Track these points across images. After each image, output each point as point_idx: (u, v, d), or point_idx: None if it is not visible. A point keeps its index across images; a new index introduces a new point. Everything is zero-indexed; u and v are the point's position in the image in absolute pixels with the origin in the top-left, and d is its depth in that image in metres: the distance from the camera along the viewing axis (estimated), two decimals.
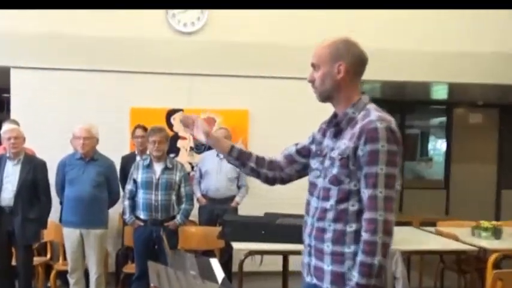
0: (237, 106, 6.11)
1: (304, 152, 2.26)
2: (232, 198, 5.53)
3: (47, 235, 4.92)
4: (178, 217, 4.59)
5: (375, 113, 2.00)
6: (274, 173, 2.29)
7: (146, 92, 6.02)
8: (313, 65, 2.10)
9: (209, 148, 5.61)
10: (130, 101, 5.96)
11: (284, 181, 2.32)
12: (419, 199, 8.50)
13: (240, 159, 2.27)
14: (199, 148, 6.07)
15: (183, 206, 4.62)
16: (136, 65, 5.98)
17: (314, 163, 2.18)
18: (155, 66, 6.00)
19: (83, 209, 4.54)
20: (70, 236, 4.63)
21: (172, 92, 6.05)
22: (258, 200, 5.59)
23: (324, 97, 2.11)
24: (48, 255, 5.37)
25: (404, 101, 8.72)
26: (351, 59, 2.06)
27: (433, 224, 5.23)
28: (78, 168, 4.63)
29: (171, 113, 6.08)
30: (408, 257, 4.63)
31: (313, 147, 2.20)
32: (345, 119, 2.07)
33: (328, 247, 2.04)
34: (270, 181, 2.31)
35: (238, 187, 5.58)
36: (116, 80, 5.99)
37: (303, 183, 2.30)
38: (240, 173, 5.40)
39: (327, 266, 2.03)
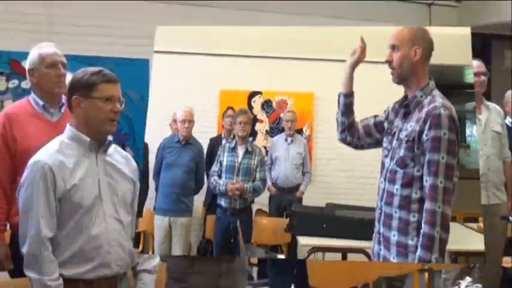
0: (302, 88, 6.10)
1: (379, 127, 2.39)
2: (297, 186, 5.40)
3: (141, 225, 4.71)
4: (255, 184, 4.59)
5: (439, 100, 2.14)
6: (352, 139, 2.45)
7: (233, 74, 6.05)
8: (392, 46, 2.25)
9: (282, 130, 5.71)
10: (219, 83, 5.99)
11: (357, 148, 2.49)
12: (459, 190, 7.66)
13: (351, 107, 2.44)
14: (273, 131, 6.01)
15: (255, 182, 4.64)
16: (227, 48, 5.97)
17: (384, 141, 2.31)
18: (243, 49, 5.95)
19: (174, 195, 4.60)
20: (160, 224, 4.61)
21: (254, 74, 6.07)
22: (321, 189, 5.63)
23: (401, 78, 2.25)
24: (140, 247, 4.84)
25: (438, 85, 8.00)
26: (426, 44, 2.24)
27: (475, 220, 4.67)
28: (175, 152, 4.71)
29: (252, 95, 6.10)
30: (455, 258, 3.93)
31: (386, 125, 2.35)
32: (413, 102, 2.21)
33: (394, 236, 2.11)
34: (346, 142, 2.48)
35: (303, 174, 5.46)
36: (204, 61, 6.02)
37: (374, 169, 2.37)
38: (305, 158, 5.46)
39: (393, 258, 2.14)
